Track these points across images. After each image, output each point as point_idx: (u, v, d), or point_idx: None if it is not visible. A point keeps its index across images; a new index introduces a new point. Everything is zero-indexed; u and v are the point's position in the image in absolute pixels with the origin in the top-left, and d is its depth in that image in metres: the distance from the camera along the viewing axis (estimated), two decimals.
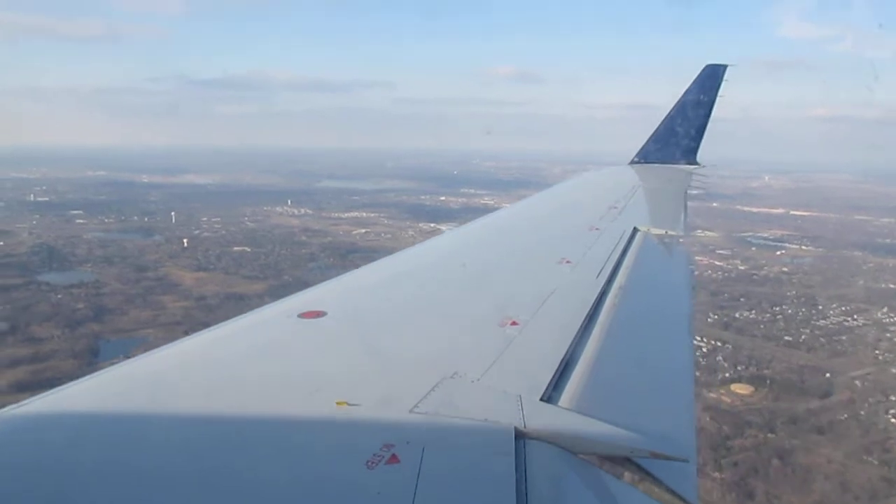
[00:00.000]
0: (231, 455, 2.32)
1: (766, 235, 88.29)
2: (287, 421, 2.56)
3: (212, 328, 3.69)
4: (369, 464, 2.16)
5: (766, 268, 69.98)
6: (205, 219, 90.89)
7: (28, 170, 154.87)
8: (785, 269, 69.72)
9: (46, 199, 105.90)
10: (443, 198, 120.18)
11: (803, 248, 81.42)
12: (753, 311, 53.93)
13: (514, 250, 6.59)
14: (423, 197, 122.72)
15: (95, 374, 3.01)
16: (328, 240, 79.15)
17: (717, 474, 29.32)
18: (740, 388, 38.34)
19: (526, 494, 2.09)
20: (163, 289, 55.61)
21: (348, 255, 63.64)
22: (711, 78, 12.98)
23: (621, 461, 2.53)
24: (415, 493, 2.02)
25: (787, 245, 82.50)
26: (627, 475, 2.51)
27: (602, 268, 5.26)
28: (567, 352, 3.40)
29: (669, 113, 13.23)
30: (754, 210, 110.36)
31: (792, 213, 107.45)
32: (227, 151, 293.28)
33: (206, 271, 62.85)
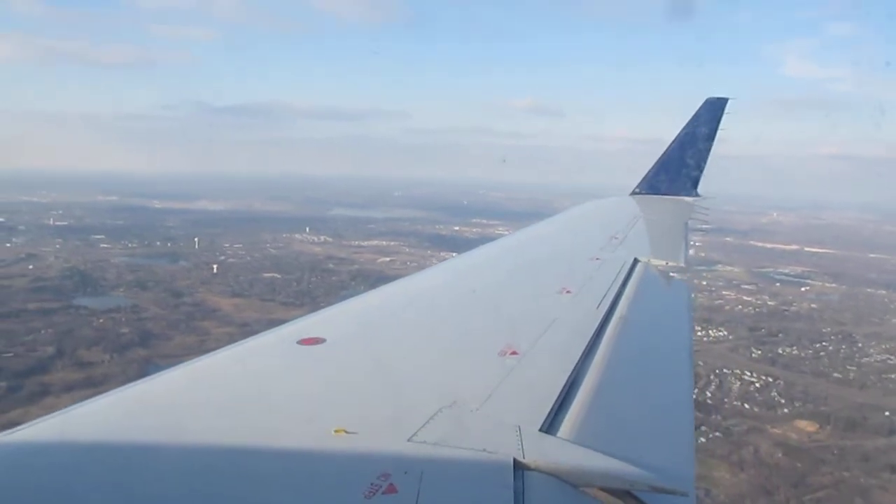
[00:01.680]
0: (227, 482, 2.29)
1: (786, 271, 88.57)
2: (284, 448, 2.53)
3: (211, 354, 3.64)
4: (367, 493, 2.13)
5: (794, 304, 70.11)
6: (227, 244, 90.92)
7: (39, 193, 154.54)
8: (814, 306, 69.84)
9: (65, 223, 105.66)
10: (457, 227, 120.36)
11: (826, 285, 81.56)
12: (795, 348, 53.93)
13: (514, 279, 6.57)
14: (438, 226, 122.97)
15: (89, 400, 2.94)
16: (355, 268, 79.09)
17: None
18: (804, 425, 38.18)
19: None
20: (202, 314, 55.37)
21: (378, 284, 63.26)
22: (713, 111, 13.03)
23: (620, 494, 2.49)
24: None
25: (809, 282, 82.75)
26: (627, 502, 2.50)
27: (602, 298, 5.24)
28: (567, 382, 3.38)
29: (671, 145, 13.24)
30: (768, 246, 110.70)
31: (806, 249, 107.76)
32: (235, 178, 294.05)
33: (241, 297, 62.65)
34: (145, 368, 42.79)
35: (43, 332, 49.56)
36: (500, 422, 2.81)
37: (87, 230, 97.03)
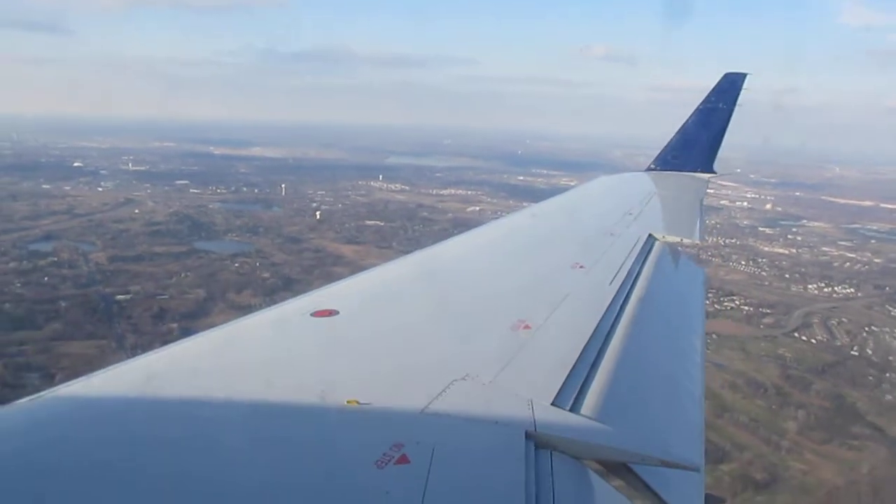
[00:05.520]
0: (241, 451, 2.29)
1: (875, 228, 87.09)
2: (297, 418, 2.57)
3: (225, 325, 3.69)
4: (379, 463, 2.15)
5: None
6: (310, 191, 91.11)
7: (95, 139, 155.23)
8: None
9: (142, 168, 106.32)
10: (521, 177, 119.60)
11: None
12: None
13: (527, 254, 6.62)
14: (504, 176, 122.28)
15: (107, 369, 2.99)
16: (450, 216, 78.82)
17: None
18: None
19: (535, 497, 2.10)
20: (332, 261, 55.71)
21: None
22: (730, 87, 12.84)
23: (631, 469, 2.54)
24: (424, 494, 2.01)
25: None
26: (634, 482, 2.53)
27: (616, 274, 5.29)
28: (579, 356, 3.42)
29: (687, 121, 13.03)
30: (841, 201, 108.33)
31: (882, 205, 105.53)
32: (279, 126, 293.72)
33: (356, 244, 63.01)
34: None
35: (183, 275, 50.27)
36: (512, 395, 2.85)
37: (167, 176, 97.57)
